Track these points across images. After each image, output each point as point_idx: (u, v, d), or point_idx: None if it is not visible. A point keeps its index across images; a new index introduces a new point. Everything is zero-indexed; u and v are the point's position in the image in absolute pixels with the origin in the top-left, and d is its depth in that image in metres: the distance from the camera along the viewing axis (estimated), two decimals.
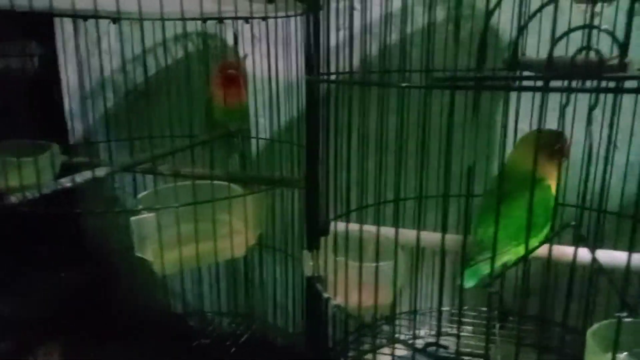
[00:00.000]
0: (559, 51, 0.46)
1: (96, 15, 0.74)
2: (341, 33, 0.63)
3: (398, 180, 0.53)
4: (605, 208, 0.68)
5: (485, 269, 0.53)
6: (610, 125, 0.40)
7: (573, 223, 0.48)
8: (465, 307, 0.77)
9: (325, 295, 0.56)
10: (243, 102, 0.88)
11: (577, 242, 0.46)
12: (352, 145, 0.54)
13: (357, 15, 0.59)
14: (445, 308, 0.77)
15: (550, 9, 0.39)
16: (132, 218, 0.64)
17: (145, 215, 0.64)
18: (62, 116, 1.06)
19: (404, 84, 0.47)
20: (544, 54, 0.41)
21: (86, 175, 0.67)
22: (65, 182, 0.65)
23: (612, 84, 0.41)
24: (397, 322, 0.74)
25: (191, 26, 0.93)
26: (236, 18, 0.80)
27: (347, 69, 0.60)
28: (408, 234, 0.56)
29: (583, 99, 0.44)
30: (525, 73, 0.57)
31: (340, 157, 0.59)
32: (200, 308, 1.01)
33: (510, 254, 0.54)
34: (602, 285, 0.67)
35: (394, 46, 0.77)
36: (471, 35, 0.73)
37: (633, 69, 0.41)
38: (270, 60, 0.81)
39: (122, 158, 0.87)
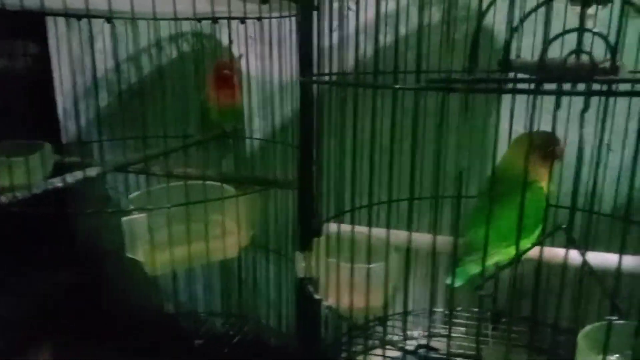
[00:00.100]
0: (554, 52, 0.46)
1: (89, 15, 0.74)
2: (336, 34, 0.63)
3: (390, 181, 0.52)
4: (599, 210, 0.68)
5: (474, 268, 0.54)
6: (602, 128, 0.40)
7: (564, 226, 0.48)
8: (459, 308, 0.78)
9: (317, 296, 0.56)
10: (237, 102, 0.88)
11: (568, 244, 0.46)
12: (347, 146, 0.54)
13: (352, 15, 0.59)
14: (438, 309, 0.77)
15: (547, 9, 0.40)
16: (124, 218, 0.64)
17: (137, 215, 0.63)
18: (55, 116, 1.05)
19: (396, 86, 0.47)
20: (538, 56, 0.41)
21: (77, 175, 0.66)
22: (56, 182, 0.65)
23: (604, 87, 0.41)
24: (389, 323, 0.74)
25: (186, 26, 0.93)
26: (230, 18, 0.79)
27: (341, 70, 0.60)
28: (401, 235, 0.56)
29: (577, 101, 0.44)
30: (520, 75, 0.57)
31: (333, 158, 0.58)
32: (194, 309, 1.01)
33: (500, 255, 0.54)
34: (595, 287, 0.67)
35: (389, 47, 0.77)
36: (466, 36, 0.73)
37: (624, 71, 0.41)
38: (265, 60, 0.81)
39: (115, 158, 0.87)
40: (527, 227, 0.53)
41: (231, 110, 0.88)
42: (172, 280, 0.99)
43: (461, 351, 0.66)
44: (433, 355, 0.62)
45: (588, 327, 0.50)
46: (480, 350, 0.61)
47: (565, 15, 0.64)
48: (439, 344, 0.64)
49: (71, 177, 0.67)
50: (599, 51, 0.41)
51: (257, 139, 0.93)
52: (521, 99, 0.60)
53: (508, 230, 0.52)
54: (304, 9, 0.66)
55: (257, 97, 0.88)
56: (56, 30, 1.01)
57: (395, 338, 0.70)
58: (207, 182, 0.71)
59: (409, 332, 0.69)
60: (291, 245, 0.88)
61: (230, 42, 0.87)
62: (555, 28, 0.43)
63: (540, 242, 0.50)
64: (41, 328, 0.92)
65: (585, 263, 0.45)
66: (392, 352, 0.67)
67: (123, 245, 0.66)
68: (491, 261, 0.54)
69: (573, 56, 0.42)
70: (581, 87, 0.41)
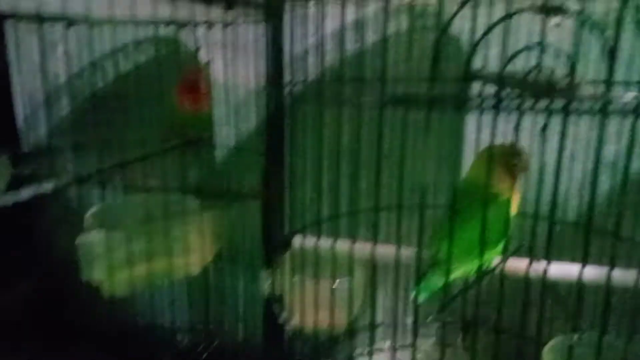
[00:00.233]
0: (520, 61, 0.45)
1: (50, 18, 0.71)
2: (304, 41, 0.62)
3: (353, 192, 0.52)
4: (564, 219, 0.68)
5: (439, 282, 0.53)
6: (560, 147, 0.40)
7: (524, 243, 0.48)
8: (430, 318, 0.77)
9: (282, 318, 0.55)
10: (206, 109, 0.86)
11: (530, 260, 0.46)
12: (313, 157, 0.53)
13: (319, 24, 0.58)
14: (409, 320, 0.77)
15: (517, 20, 0.39)
16: (79, 239, 0.61)
17: (94, 234, 0.61)
18: (15, 124, 1.01)
19: (357, 101, 0.46)
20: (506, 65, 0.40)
21: (30, 191, 0.63)
22: (8, 199, 0.62)
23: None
24: (359, 336, 0.73)
25: (152, 31, 0.90)
26: (196, 24, 0.77)
27: (307, 78, 0.59)
28: (367, 248, 0.55)
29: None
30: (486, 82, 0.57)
31: (299, 170, 0.57)
32: (160, 323, 0.99)
33: (464, 269, 0.54)
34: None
35: (358, 55, 0.76)
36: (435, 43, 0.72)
37: (583, 88, 0.40)
38: (234, 66, 0.79)
39: (79, 167, 0.84)
40: (491, 240, 0.53)
41: (199, 117, 0.86)
42: (138, 294, 0.96)
43: None
44: None
45: (552, 342, 0.50)
46: None
47: (529, 25, 0.64)
48: (406, 356, 0.63)
49: (26, 193, 0.65)
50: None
51: (225, 147, 0.91)
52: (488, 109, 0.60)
53: (472, 244, 0.51)
54: (270, 16, 0.64)
55: (226, 104, 0.86)
56: (15, 36, 0.97)
57: (362, 351, 0.70)
58: (170, 195, 0.68)
59: (377, 346, 0.68)
60: (261, 258, 0.87)
61: (198, 47, 0.85)
62: (522, 37, 0.43)
63: (503, 257, 0.50)
64: (2, 341, 0.89)
65: (544, 279, 0.45)
66: None
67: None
68: (456, 275, 0.54)
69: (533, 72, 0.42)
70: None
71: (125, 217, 0.63)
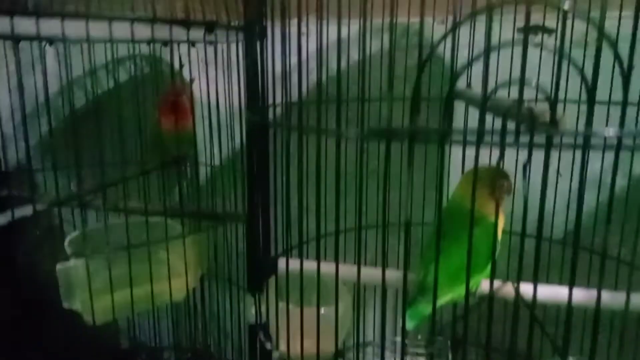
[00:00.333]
0: (504, 75, 0.45)
1: (29, 37, 0.70)
2: (285, 61, 0.61)
3: (337, 214, 0.50)
4: (551, 237, 0.68)
5: (427, 309, 0.52)
6: (543, 181, 0.39)
7: (513, 283, 0.47)
8: (419, 336, 0.77)
9: (268, 347, 0.53)
10: (188, 128, 0.84)
11: (517, 291, 0.45)
12: (295, 179, 0.51)
13: (303, 43, 0.57)
14: (397, 339, 0.76)
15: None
16: (58, 266, 0.59)
17: (73, 262, 0.59)
18: None
19: (338, 132, 0.45)
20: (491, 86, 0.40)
21: (8, 216, 0.62)
22: None
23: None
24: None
25: (136, 49, 0.89)
26: (178, 42, 0.76)
27: (288, 99, 0.58)
28: (350, 271, 0.54)
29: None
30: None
31: (281, 193, 0.56)
32: (145, 342, 0.96)
33: (452, 294, 0.53)
34: (552, 316, 0.67)
35: (342, 72, 0.75)
36: (418, 63, 0.72)
37: (564, 124, 0.40)
38: (216, 85, 0.78)
39: (59, 187, 0.82)
40: (478, 264, 0.52)
41: (182, 137, 0.84)
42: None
43: None
44: None
45: None
46: None
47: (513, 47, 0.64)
48: None
49: (3, 218, 0.63)
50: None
51: (208, 166, 0.90)
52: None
53: (458, 268, 0.50)
54: (249, 37, 0.64)
55: (209, 123, 0.85)
56: None
57: None
58: (151, 219, 0.66)
59: None
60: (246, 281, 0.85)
61: (181, 65, 0.84)
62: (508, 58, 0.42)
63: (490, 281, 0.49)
64: None
65: (533, 309, 0.45)
66: None
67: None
68: (443, 300, 0.53)
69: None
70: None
71: (105, 243, 0.61)
